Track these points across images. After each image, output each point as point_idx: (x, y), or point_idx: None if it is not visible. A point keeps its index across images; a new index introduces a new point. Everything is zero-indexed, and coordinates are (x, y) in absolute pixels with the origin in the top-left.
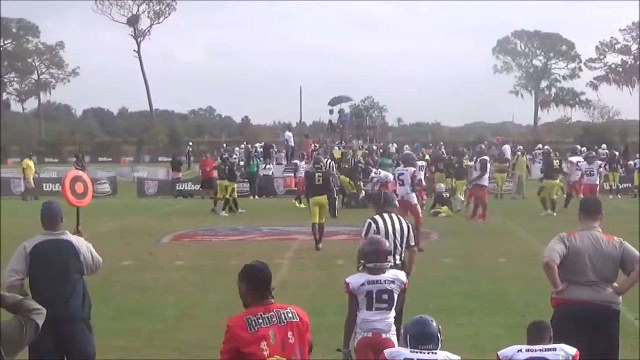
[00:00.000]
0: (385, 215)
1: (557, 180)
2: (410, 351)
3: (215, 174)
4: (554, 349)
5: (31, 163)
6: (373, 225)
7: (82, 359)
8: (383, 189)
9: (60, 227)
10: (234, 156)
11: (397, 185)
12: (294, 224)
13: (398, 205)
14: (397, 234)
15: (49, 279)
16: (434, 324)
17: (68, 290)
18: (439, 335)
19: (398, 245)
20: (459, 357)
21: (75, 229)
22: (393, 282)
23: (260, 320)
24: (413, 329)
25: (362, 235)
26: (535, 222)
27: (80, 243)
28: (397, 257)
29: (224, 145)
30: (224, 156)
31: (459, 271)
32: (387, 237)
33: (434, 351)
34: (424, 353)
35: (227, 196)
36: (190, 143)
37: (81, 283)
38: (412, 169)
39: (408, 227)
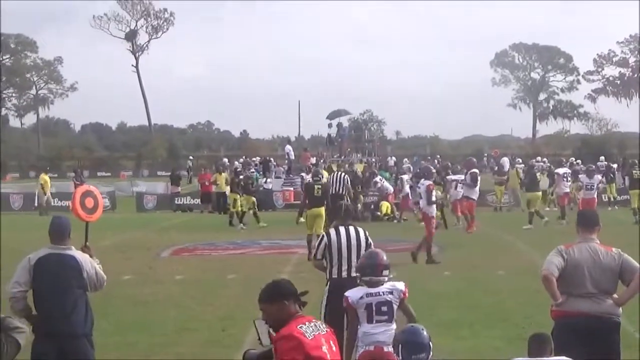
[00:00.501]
0: (342, 229)
1: (539, 193)
2: None
3: (213, 188)
4: None
5: (47, 178)
6: (325, 239)
7: None
8: (383, 199)
9: (67, 242)
10: (252, 170)
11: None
12: (293, 238)
13: (421, 217)
14: (352, 248)
15: (51, 293)
16: (425, 332)
17: (69, 305)
18: (430, 344)
19: (353, 258)
20: None
21: (83, 244)
22: (391, 292)
23: (311, 329)
24: (405, 338)
25: (315, 247)
26: (534, 234)
27: (84, 259)
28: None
29: (225, 160)
30: (238, 170)
31: (459, 284)
32: (339, 250)
33: None
34: None
35: (242, 209)
36: (191, 157)
37: (83, 298)
38: (428, 182)
39: (367, 239)
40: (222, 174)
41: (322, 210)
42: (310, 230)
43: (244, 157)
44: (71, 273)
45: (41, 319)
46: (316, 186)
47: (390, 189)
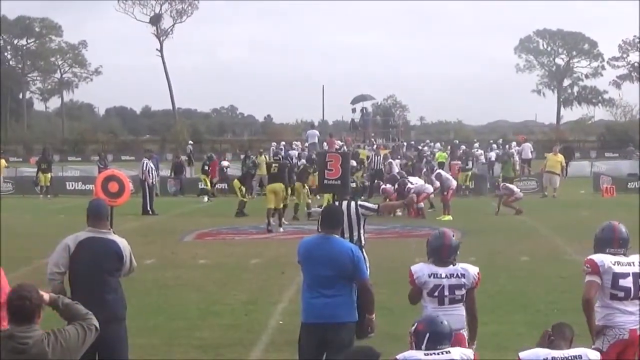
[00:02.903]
0: (337, 202)
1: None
2: (425, 354)
3: (217, 174)
4: (580, 357)
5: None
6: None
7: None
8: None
9: (106, 225)
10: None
11: None
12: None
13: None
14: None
15: (89, 277)
16: (445, 322)
17: (107, 290)
18: (452, 333)
19: (354, 227)
20: (472, 351)
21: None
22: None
23: None
24: (430, 328)
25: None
26: (558, 220)
27: (125, 245)
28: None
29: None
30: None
31: (482, 269)
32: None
33: (447, 350)
34: (439, 354)
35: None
36: (191, 142)
37: (118, 283)
38: None
39: (356, 210)
40: (262, 156)
41: (278, 186)
42: (270, 204)
43: (276, 143)
44: (112, 258)
45: (78, 302)
46: (274, 164)
47: (430, 188)
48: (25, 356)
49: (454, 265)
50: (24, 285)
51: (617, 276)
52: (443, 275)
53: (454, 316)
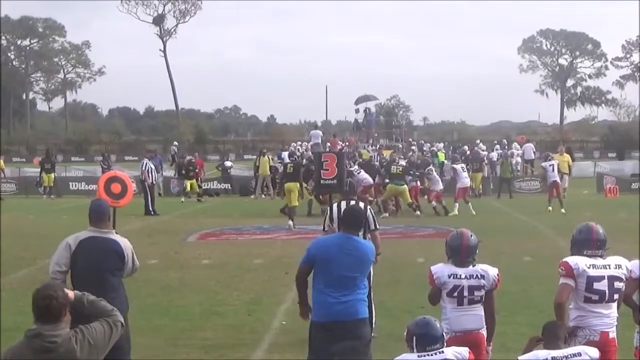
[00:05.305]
0: (343, 203)
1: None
2: (418, 356)
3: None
4: (579, 354)
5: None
6: (327, 212)
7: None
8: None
9: (108, 225)
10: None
11: None
12: (320, 223)
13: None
14: None
15: (91, 276)
16: (438, 324)
17: (109, 289)
18: (443, 335)
19: None
20: (467, 348)
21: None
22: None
23: None
24: (417, 330)
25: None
26: (560, 220)
27: (126, 245)
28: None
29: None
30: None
31: None
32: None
33: (440, 350)
34: (432, 355)
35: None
36: (176, 143)
37: (120, 283)
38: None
39: (367, 212)
40: (264, 157)
41: (293, 185)
42: (289, 202)
43: (291, 143)
44: (113, 257)
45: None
46: (289, 165)
47: (369, 180)
48: (54, 355)
49: (473, 266)
50: (48, 284)
51: (591, 279)
52: (463, 276)
53: (473, 316)
